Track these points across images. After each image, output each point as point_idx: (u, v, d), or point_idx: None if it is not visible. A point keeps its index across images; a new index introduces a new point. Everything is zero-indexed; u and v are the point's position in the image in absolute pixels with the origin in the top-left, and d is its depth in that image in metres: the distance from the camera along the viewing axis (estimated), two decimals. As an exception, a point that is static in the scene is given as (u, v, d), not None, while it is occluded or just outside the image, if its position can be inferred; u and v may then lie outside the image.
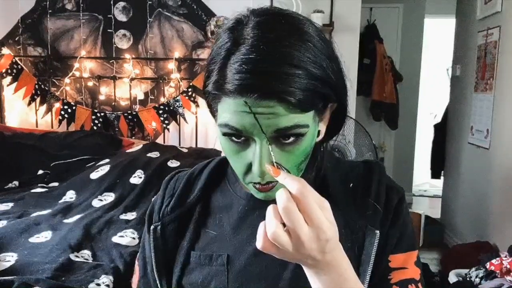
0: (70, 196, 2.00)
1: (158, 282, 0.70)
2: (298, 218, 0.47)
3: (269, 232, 0.48)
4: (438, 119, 4.04)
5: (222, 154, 0.68)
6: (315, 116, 0.58)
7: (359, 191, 0.66)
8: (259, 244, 0.50)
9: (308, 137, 0.57)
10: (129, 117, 2.91)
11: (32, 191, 2.09)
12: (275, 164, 0.55)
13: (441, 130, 3.87)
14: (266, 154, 0.55)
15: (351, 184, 0.66)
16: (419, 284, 0.64)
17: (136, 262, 0.77)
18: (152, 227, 0.72)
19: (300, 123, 0.55)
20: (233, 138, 0.57)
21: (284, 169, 0.57)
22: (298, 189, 0.48)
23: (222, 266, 0.65)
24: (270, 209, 0.49)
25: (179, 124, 2.93)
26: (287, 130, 0.54)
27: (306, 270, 0.53)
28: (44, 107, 2.95)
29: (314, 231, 0.48)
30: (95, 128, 2.90)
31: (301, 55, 0.53)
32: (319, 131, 0.62)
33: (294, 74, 0.52)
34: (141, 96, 3.01)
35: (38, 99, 2.94)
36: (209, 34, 2.91)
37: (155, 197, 0.77)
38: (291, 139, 0.56)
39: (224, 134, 0.57)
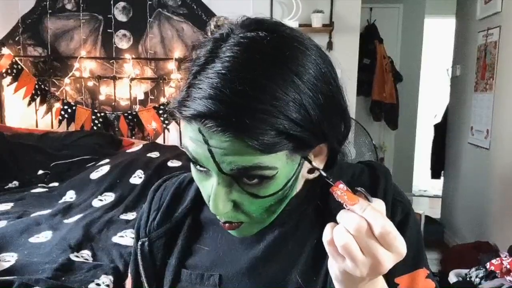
0: (70, 196, 2.00)
1: None
2: (376, 247, 0.42)
3: (339, 242, 0.42)
4: (438, 119, 4.03)
5: None
6: (291, 156, 0.50)
7: None
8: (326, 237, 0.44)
9: (278, 180, 0.50)
10: (129, 117, 2.91)
11: (32, 191, 2.09)
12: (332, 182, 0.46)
13: (441, 130, 3.87)
14: (223, 193, 0.50)
15: None
16: None
17: (129, 270, 0.74)
18: (139, 243, 0.67)
19: (263, 164, 0.47)
20: (197, 166, 0.52)
21: (366, 193, 0.45)
22: (383, 227, 0.41)
23: (214, 287, 0.60)
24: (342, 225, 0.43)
25: (179, 124, 2.93)
26: (248, 171, 0.47)
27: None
28: (44, 107, 2.95)
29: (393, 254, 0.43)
30: (95, 128, 2.90)
31: (276, 89, 0.45)
32: (312, 169, 0.55)
33: (259, 109, 0.45)
34: (141, 96, 3.01)
35: (38, 99, 2.94)
36: (209, 34, 2.90)
37: (142, 208, 0.71)
38: (255, 180, 0.49)
39: (188, 159, 0.52)
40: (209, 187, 0.52)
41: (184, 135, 0.50)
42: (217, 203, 0.50)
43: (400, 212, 0.58)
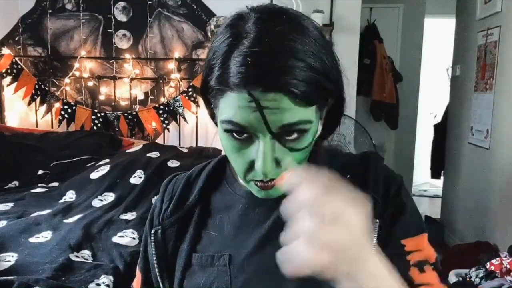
0: (70, 196, 2.00)
1: (162, 287, 0.69)
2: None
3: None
4: (438, 119, 4.03)
5: (223, 153, 0.67)
6: (317, 112, 0.58)
7: (356, 183, 0.63)
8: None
9: (310, 133, 0.57)
10: (129, 117, 2.91)
11: (32, 191, 2.09)
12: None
13: (441, 130, 3.87)
14: (270, 152, 0.55)
15: (348, 176, 0.64)
16: (435, 266, 0.62)
17: (137, 268, 0.77)
18: (152, 231, 0.71)
19: (304, 119, 0.55)
20: (235, 134, 0.56)
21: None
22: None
23: (224, 267, 0.64)
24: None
25: (179, 124, 2.93)
26: (292, 126, 0.54)
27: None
28: (44, 107, 2.95)
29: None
30: (95, 128, 2.90)
31: (303, 49, 0.53)
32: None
33: (298, 66, 0.52)
34: (141, 96, 3.01)
35: (38, 99, 2.94)
36: (209, 34, 2.91)
37: (154, 201, 0.76)
38: (294, 135, 0.56)
39: (226, 131, 0.56)
40: (250, 153, 0.57)
41: (225, 110, 0.55)
42: (267, 162, 0.55)
43: (394, 183, 0.65)
